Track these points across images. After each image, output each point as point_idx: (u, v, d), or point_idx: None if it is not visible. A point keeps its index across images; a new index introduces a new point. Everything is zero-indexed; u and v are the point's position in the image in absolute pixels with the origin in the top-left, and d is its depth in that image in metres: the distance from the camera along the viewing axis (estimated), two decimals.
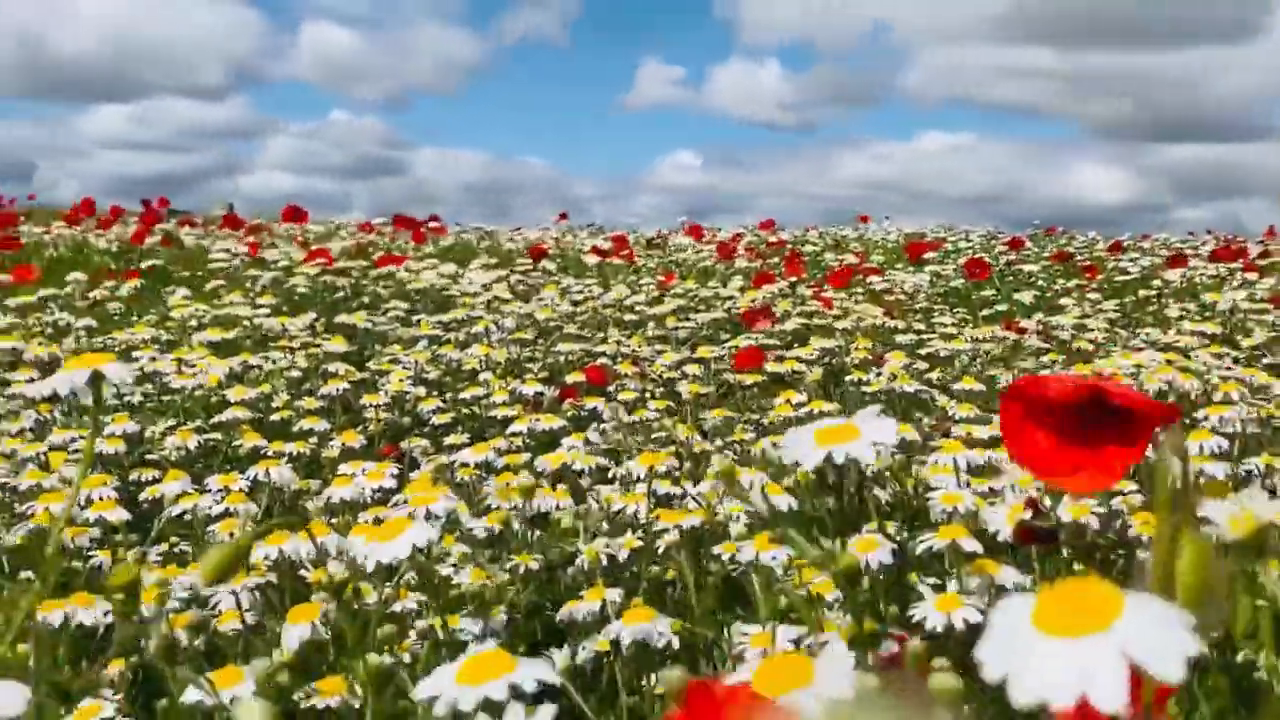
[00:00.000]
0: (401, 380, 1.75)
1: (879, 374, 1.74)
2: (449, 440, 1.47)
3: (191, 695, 0.70)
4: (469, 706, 0.36)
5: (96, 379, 0.54)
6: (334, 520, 1.06)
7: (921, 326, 2.39)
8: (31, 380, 1.75)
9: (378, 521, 1.07)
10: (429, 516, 0.75)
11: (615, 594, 0.81)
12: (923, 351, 2.03)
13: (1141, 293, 3.11)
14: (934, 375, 1.85)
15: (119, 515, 1.09)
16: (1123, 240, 4.59)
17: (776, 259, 3.53)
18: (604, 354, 1.88)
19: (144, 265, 2.96)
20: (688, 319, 2.36)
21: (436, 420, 1.55)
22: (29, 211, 5.88)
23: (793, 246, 4.15)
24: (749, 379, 1.56)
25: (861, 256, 3.92)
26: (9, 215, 4.79)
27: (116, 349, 1.98)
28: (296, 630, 0.71)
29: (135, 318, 2.31)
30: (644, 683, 0.84)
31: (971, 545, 0.80)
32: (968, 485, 0.89)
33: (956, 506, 0.83)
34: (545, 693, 0.43)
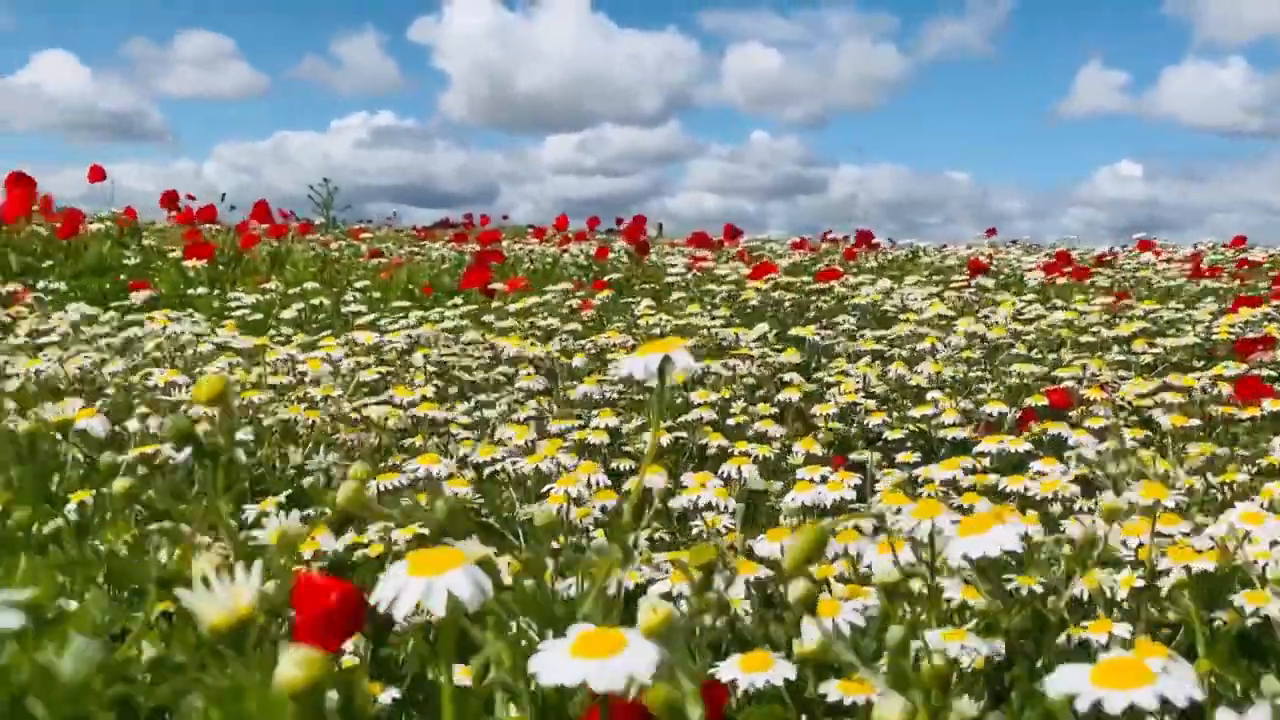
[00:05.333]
0: (852, 393, 1.79)
1: None
2: (900, 457, 1.49)
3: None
4: (1115, 709, 0.37)
5: (666, 363, 0.58)
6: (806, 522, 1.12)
7: None
8: (529, 374, 2.04)
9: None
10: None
11: (1123, 629, 0.78)
12: None
13: None
14: None
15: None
16: None
17: (1265, 282, 3.14)
18: (1062, 377, 1.80)
19: (608, 278, 3.29)
20: (1152, 343, 2.18)
21: (888, 435, 1.57)
22: (500, 229, 6.81)
23: (1271, 268, 3.66)
24: (1243, 413, 1.41)
25: None
26: (494, 233, 5.57)
27: (591, 351, 2.23)
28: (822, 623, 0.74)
29: (606, 324, 2.57)
30: None
31: None
32: None
33: None
34: None
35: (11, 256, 3.02)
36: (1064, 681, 0.40)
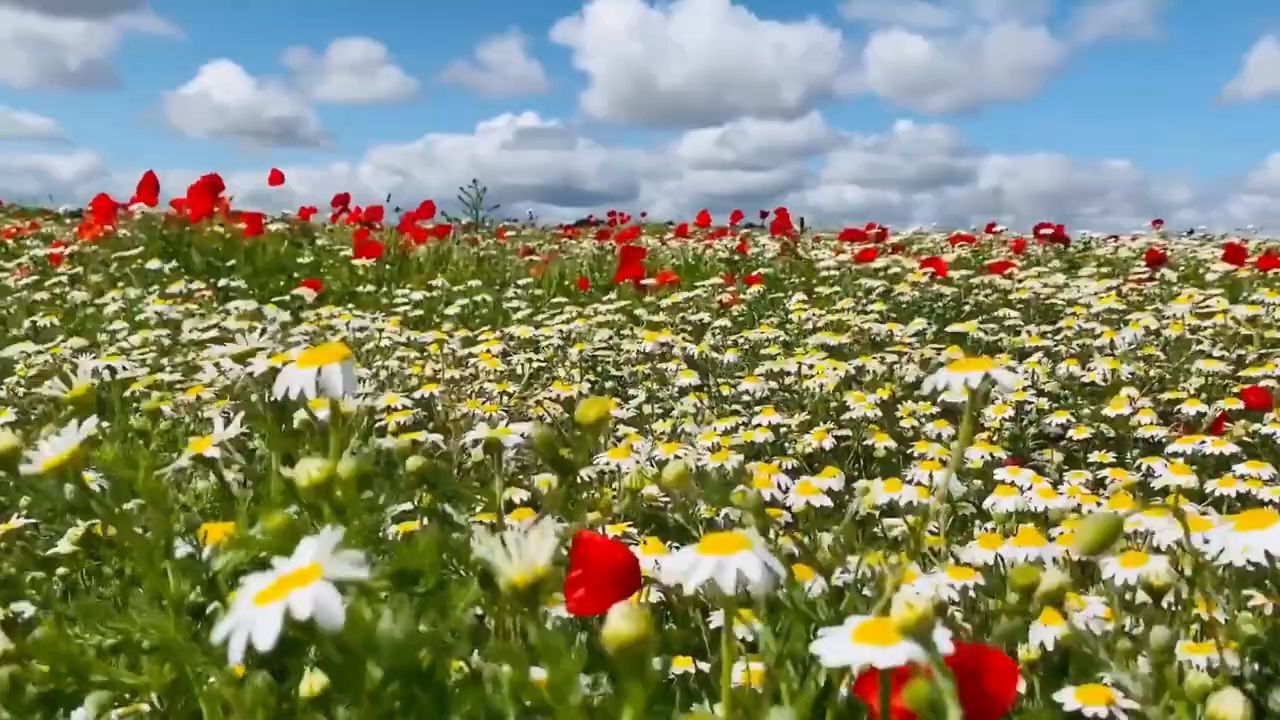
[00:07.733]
0: (1019, 391, 1.73)
1: None
2: (1094, 456, 1.42)
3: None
4: None
5: (985, 380, 0.55)
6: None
7: None
8: (678, 370, 2.04)
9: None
10: None
11: None
12: None
13: None
14: None
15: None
16: None
17: None
18: (1254, 375, 1.69)
19: (758, 272, 3.27)
20: None
21: (1075, 435, 1.51)
22: (639, 227, 6.86)
23: None
24: None
25: None
26: (633, 230, 5.62)
27: (745, 347, 2.22)
28: (1047, 632, 0.72)
29: (757, 319, 2.55)
30: None
31: None
32: None
33: None
34: None
35: (195, 256, 3.22)
36: None
